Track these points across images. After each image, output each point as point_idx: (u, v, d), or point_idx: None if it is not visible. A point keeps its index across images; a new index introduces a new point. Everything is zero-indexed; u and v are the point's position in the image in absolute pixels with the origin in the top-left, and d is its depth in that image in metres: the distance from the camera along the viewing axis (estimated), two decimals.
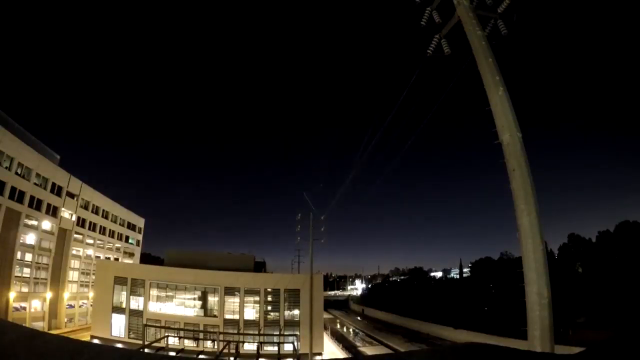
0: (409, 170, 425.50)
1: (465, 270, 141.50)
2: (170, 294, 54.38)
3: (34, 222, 70.48)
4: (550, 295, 10.70)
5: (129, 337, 52.63)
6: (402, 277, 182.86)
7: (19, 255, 65.72)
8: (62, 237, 79.58)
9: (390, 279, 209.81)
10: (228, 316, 53.31)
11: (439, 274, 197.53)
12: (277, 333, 51.01)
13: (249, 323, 53.04)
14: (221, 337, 48.79)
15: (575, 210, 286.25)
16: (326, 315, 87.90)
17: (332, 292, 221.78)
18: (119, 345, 41.72)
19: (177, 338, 45.98)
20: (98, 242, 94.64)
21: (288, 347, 47.02)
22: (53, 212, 75.80)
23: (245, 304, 53.99)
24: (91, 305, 73.88)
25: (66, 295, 79.89)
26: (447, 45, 16.76)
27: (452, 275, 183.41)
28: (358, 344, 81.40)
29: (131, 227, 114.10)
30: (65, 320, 79.32)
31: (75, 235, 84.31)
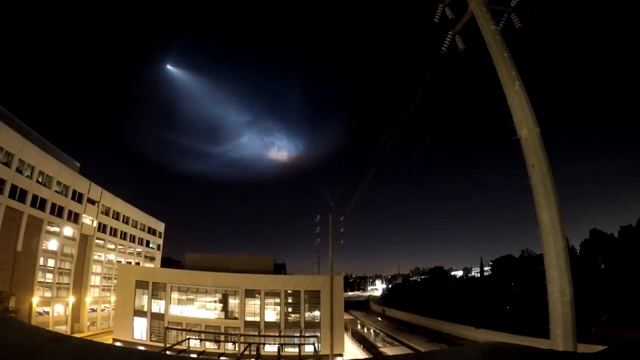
0: (427, 169, 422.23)
1: (486, 268, 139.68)
2: (191, 297, 54.73)
3: (56, 229, 71.72)
4: (572, 292, 10.48)
5: (150, 340, 53.10)
6: (423, 277, 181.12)
7: (41, 261, 66.91)
8: (84, 242, 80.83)
9: (411, 278, 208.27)
10: (249, 318, 53.43)
11: (459, 273, 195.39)
12: (298, 334, 50.93)
13: (269, 325, 53.05)
14: (242, 339, 48.92)
15: (596, 204, 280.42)
16: (347, 316, 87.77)
17: (353, 293, 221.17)
18: (141, 348, 42.07)
19: (199, 340, 46.14)
20: (119, 247, 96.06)
21: (309, 349, 46.91)
22: (74, 218, 77.08)
23: (265, 306, 54.04)
24: (113, 309, 74.77)
25: (88, 299, 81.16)
26: (462, 42, 16.57)
27: (472, 274, 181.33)
28: (379, 344, 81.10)
29: (151, 231, 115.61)
30: (88, 323, 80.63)
31: (97, 241, 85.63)
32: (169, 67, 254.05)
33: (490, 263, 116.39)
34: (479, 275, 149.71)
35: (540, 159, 11.51)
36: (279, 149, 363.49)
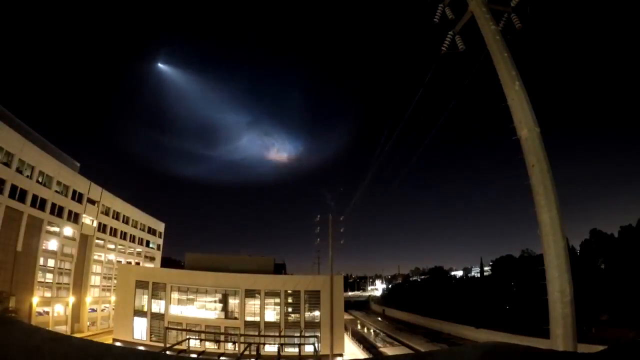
0: (428, 169, 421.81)
1: (486, 268, 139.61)
2: (191, 297, 54.71)
3: (56, 229, 71.69)
4: (572, 292, 10.45)
5: (150, 340, 53.08)
6: (423, 277, 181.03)
7: (41, 261, 66.86)
8: (84, 242, 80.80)
9: (411, 278, 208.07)
10: (249, 318, 53.41)
11: (459, 273, 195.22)
12: (298, 334, 50.91)
13: (269, 325, 53.04)
14: (242, 339, 48.90)
15: (596, 204, 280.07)
16: (347, 316, 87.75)
17: (353, 293, 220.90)
18: (141, 348, 42.05)
19: (199, 340, 46.12)
20: (119, 247, 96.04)
21: (309, 349, 46.89)
22: (74, 218, 77.06)
23: (265, 306, 54.02)
24: (113, 309, 74.76)
25: (88, 299, 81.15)
26: (462, 42, 16.56)
27: (472, 274, 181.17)
28: (379, 344, 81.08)
29: (151, 231, 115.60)
30: (88, 323, 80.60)
31: (97, 241, 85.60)
32: (169, 68, 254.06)
33: (490, 263, 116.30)
34: (479, 275, 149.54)
35: (540, 159, 11.49)
36: (279, 150, 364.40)
